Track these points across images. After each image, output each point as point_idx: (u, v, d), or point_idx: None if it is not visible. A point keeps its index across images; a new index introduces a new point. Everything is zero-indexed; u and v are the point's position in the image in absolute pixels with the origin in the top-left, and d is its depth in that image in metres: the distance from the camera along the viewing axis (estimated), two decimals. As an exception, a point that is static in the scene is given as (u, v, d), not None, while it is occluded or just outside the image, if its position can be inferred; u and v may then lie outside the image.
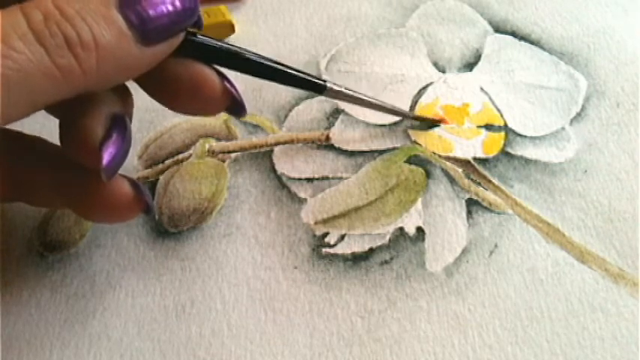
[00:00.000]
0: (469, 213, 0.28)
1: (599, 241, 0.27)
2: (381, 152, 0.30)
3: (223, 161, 0.31)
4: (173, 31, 0.21)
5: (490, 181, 0.29)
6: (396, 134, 0.31)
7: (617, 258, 0.26)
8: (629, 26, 0.34)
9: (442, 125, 0.31)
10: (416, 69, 0.33)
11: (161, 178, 0.31)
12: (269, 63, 0.25)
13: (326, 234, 0.28)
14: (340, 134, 0.31)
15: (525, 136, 0.30)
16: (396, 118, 0.31)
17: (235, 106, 0.25)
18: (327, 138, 0.31)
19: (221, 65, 0.25)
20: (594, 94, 0.31)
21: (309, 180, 0.30)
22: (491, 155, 0.30)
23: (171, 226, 0.29)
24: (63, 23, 0.19)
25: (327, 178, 0.30)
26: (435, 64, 0.33)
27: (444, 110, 0.31)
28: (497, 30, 0.34)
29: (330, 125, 0.31)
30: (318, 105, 0.32)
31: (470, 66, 0.33)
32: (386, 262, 0.27)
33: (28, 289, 0.28)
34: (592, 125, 0.30)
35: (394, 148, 0.30)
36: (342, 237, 0.28)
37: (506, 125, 0.30)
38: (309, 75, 0.27)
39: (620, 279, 0.26)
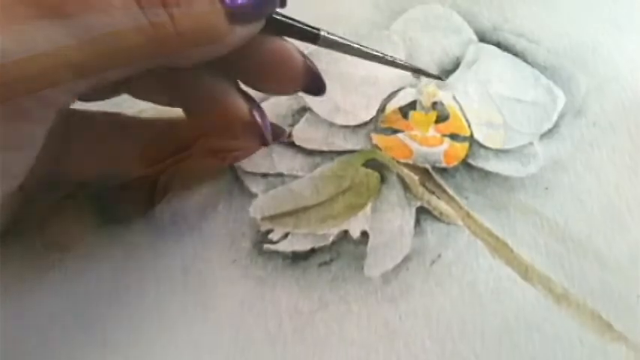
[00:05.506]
0: (417, 221, 0.27)
1: (547, 260, 0.26)
2: (339, 153, 0.30)
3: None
4: (259, 14, 0.22)
5: (445, 191, 0.28)
6: (358, 137, 0.30)
7: (563, 278, 0.26)
8: (618, 43, 0.33)
9: (405, 131, 0.30)
10: (390, 72, 0.33)
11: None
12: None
13: (270, 230, 0.28)
14: (302, 132, 0.31)
15: (490, 149, 0.29)
16: (361, 120, 0.31)
17: (316, 83, 0.26)
18: (289, 135, 0.31)
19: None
20: (571, 111, 0.31)
21: (264, 175, 0.30)
22: (450, 165, 0.29)
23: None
24: None
25: (281, 175, 0.29)
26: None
27: (411, 116, 0.31)
28: (483, 39, 0.34)
29: (295, 123, 0.31)
30: (286, 102, 0.32)
31: (446, 74, 0.32)
32: (325, 263, 0.27)
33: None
34: (562, 143, 0.30)
35: (354, 151, 0.30)
36: (286, 235, 0.28)
37: (472, 136, 0.30)
38: (303, 23, 0.26)
39: (562, 300, 0.25)
